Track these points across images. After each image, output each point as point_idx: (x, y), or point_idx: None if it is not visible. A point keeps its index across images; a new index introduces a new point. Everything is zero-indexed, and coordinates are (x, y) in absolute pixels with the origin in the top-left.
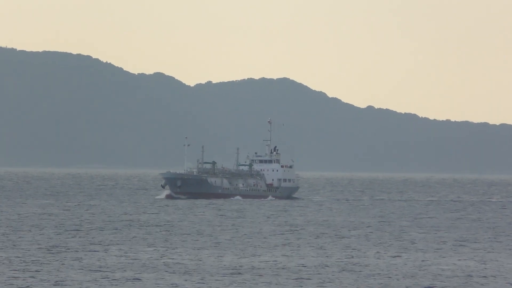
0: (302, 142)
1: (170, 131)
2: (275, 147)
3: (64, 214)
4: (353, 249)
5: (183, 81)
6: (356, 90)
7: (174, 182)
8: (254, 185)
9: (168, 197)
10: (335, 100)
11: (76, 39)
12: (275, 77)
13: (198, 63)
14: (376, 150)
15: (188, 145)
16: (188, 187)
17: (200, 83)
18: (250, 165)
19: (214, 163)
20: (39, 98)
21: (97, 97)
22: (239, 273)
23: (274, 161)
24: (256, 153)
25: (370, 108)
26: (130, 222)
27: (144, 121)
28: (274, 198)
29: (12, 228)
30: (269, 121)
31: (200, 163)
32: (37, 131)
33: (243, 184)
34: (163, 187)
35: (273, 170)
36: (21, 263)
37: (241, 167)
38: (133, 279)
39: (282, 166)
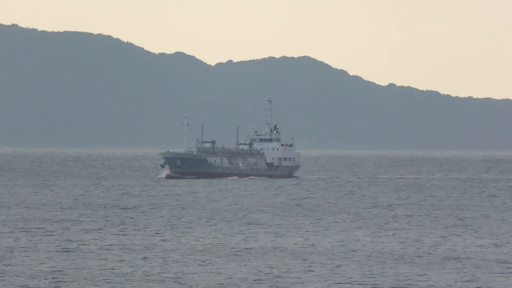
0: (323, 121)
1: (191, 110)
2: (275, 125)
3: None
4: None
5: (204, 61)
6: (377, 68)
7: (173, 162)
8: (254, 164)
9: (168, 177)
10: (357, 78)
11: (97, 19)
12: (296, 56)
13: (219, 42)
14: (397, 128)
15: (188, 124)
16: (188, 166)
17: (221, 62)
18: (250, 144)
19: (213, 142)
20: (60, 78)
21: (117, 77)
22: (236, 254)
23: (274, 140)
24: (256, 132)
25: (391, 86)
26: (121, 203)
27: (165, 100)
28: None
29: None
30: (269, 100)
31: (199, 142)
32: (58, 111)
33: (243, 163)
34: (162, 166)
35: (273, 149)
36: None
37: (241, 146)
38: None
39: (282, 145)
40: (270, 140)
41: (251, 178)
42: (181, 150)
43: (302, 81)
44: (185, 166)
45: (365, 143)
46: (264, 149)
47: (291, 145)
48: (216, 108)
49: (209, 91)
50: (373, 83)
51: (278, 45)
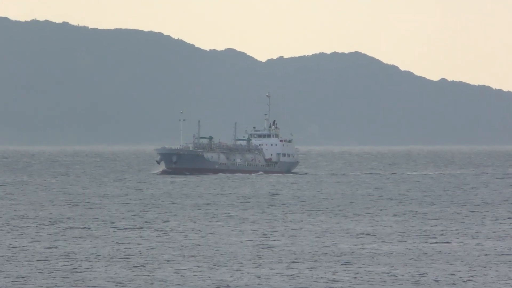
0: (374, 117)
1: (242, 106)
2: (274, 121)
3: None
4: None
5: (255, 57)
6: (429, 62)
7: (169, 158)
8: (252, 160)
9: (164, 173)
10: (408, 73)
11: (147, 16)
12: (346, 51)
13: (270, 38)
14: (449, 123)
15: (184, 120)
16: (184, 162)
17: (272, 58)
18: (249, 140)
19: (210, 138)
20: (111, 76)
21: (168, 74)
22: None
23: (272, 135)
24: (254, 127)
25: (443, 80)
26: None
27: (216, 97)
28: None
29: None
30: (267, 95)
31: (196, 138)
32: (109, 108)
33: (240, 159)
34: (158, 163)
35: (271, 145)
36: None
37: (239, 142)
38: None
39: (281, 141)
40: (269, 136)
41: (246, 174)
42: (177, 146)
43: (353, 77)
44: (181, 162)
45: (416, 139)
46: (262, 144)
47: (289, 141)
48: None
49: (260, 87)
50: (424, 78)
51: (329, 41)
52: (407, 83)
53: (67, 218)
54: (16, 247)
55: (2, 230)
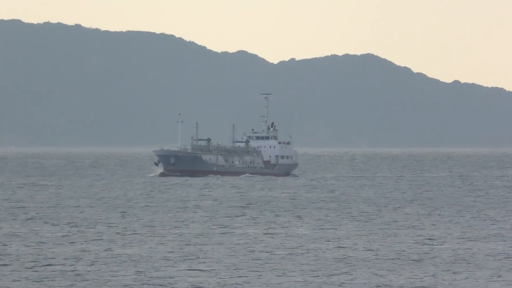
0: (387, 119)
1: (254, 108)
2: (273, 123)
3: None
4: None
5: (266, 59)
6: (441, 64)
7: (167, 160)
8: (250, 162)
9: (162, 174)
10: (420, 75)
11: (159, 19)
12: (358, 53)
13: (281, 40)
14: (462, 125)
15: (182, 121)
16: (182, 164)
17: (284, 61)
18: (247, 142)
19: (209, 139)
20: (123, 78)
21: (179, 76)
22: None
23: (271, 137)
24: (252, 129)
25: (456, 82)
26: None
27: (227, 99)
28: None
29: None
30: (265, 97)
31: (194, 140)
32: (121, 110)
33: (239, 161)
34: (156, 164)
35: (270, 147)
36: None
37: (237, 144)
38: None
39: (279, 143)
40: (267, 138)
41: (247, 176)
42: (176, 148)
43: (365, 79)
44: (179, 164)
45: (429, 140)
46: (260, 146)
47: (288, 143)
48: (279, 106)
49: (271, 89)
50: (437, 80)
51: (341, 43)
52: (419, 85)
53: (64, 221)
54: (16, 248)
55: (2, 230)
